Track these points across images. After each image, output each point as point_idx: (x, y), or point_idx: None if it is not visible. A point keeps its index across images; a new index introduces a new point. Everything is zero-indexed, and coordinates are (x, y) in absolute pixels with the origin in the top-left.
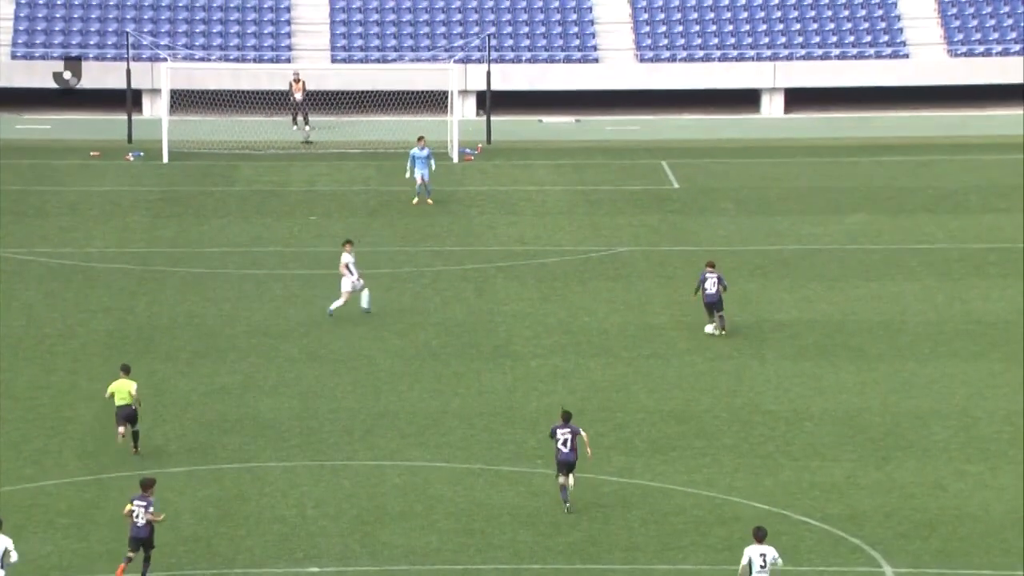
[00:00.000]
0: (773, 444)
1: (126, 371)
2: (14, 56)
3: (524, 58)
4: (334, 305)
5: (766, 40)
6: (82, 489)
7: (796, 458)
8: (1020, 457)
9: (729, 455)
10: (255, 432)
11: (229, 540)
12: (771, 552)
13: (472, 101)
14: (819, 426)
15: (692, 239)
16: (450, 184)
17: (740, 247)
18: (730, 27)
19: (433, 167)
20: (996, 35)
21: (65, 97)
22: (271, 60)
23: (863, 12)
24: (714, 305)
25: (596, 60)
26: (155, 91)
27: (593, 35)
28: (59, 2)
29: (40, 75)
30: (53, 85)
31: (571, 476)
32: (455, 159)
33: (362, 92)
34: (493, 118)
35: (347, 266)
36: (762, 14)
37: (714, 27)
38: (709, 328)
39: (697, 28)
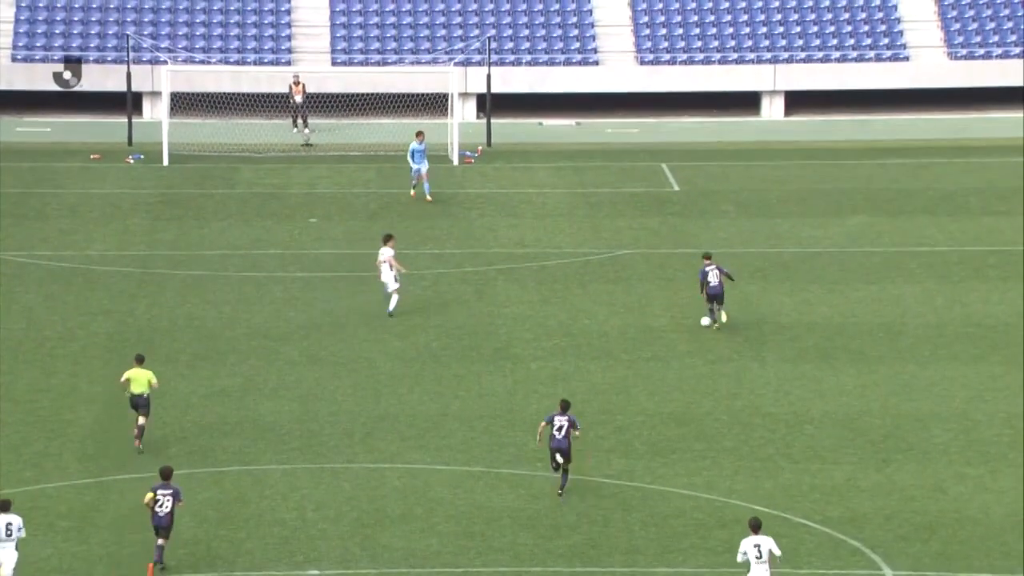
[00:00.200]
0: (773, 447)
1: (140, 360)
2: (14, 59)
3: (524, 61)
4: (391, 307)
5: (766, 43)
6: (82, 492)
7: (796, 461)
8: (1020, 460)
9: (729, 458)
10: (255, 435)
11: (229, 543)
12: (767, 542)
13: (472, 104)
14: (819, 429)
15: (692, 242)
16: (450, 186)
17: (740, 249)
18: (730, 30)
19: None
20: (996, 38)
21: (65, 100)
22: (271, 63)
23: (863, 15)
24: (717, 297)
25: (596, 63)
26: (155, 94)
27: (593, 38)
28: (59, 4)
29: (40, 78)
30: (53, 88)
31: (565, 462)
32: (455, 162)
33: (362, 95)
34: (493, 121)
35: (388, 262)
36: (762, 17)
37: (714, 30)
38: (705, 321)
39: (697, 31)
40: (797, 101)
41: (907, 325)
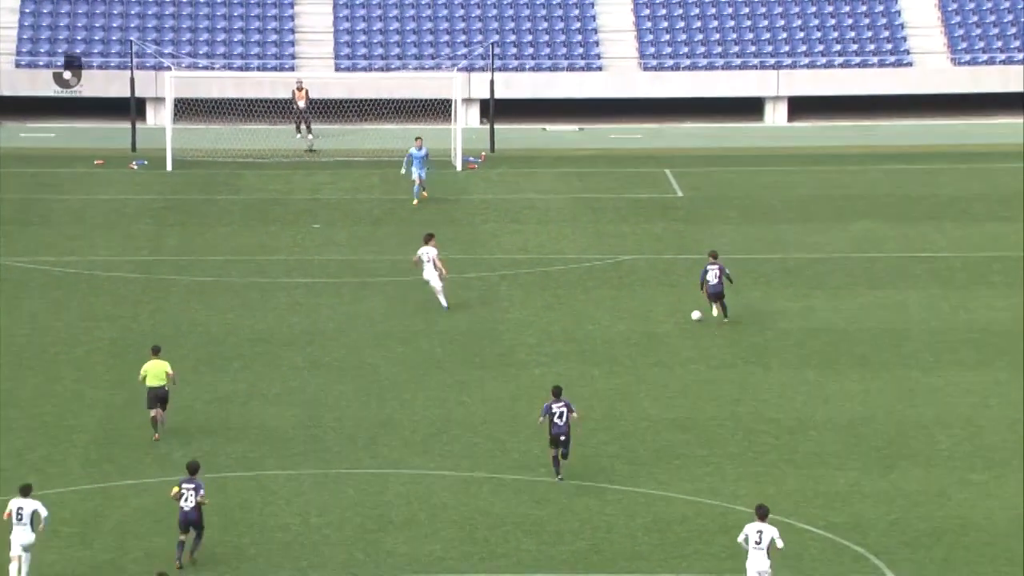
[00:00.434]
0: (777, 453)
1: (156, 352)
2: (18, 65)
3: (528, 66)
4: (444, 302)
5: (770, 49)
6: (86, 498)
7: (800, 467)
8: None
9: (733, 464)
10: (259, 440)
11: (233, 548)
12: (769, 531)
13: (476, 109)
14: (823, 435)
15: (696, 247)
16: (454, 192)
17: (744, 255)
18: (734, 35)
19: (428, 159)
20: (999, 43)
21: (69, 105)
22: (275, 68)
23: (867, 21)
24: (716, 296)
25: (600, 68)
26: (159, 99)
27: (597, 43)
28: (63, 11)
29: (44, 84)
30: (58, 93)
31: (564, 449)
32: (459, 167)
33: (366, 100)
34: (497, 126)
35: (432, 261)
36: (766, 22)
37: (718, 36)
38: (695, 315)
39: (701, 37)
40: (800, 107)
41: (911, 331)
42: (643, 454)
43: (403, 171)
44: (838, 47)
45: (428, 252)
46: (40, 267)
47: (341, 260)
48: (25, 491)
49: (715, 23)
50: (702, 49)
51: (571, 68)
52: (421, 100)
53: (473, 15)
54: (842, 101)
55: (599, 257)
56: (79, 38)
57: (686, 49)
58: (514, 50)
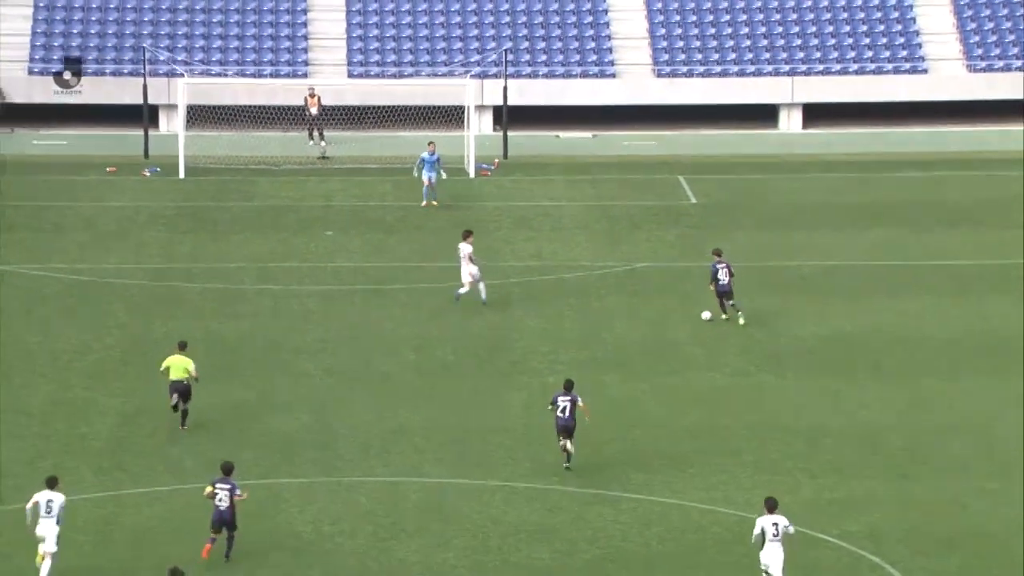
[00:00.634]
0: (792, 461)
1: (182, 347)
2: (31, 72)
3: (541, 73)
4: (460, 290)
5: (784, 55)
6: (98, 505)
7: (815, 475)
8: None
9: (748, 472)
10: (271, 448)
11: (245, 556)
12: (783, 521)
13: (489, 116)
14: (838, 443)
15: (710, 255)
16: (467, 199)
17: (758, 263)
18: (748, 42)
19: (443, 175)
20: (1015, 50)
21: (81, 113)
22: (288, 75)
23: (882, 27)
24: (727, 295)
25: (613, 75)
26: (172, 106)
27: (610, 50)
28: (76, 18)
29: (57, 91)
30: (70, 101)
31: (570, 441)
32: (472, 174)
33: (379, 107)
34: (510, 133)
35: (468, 257)
36: (780, 29)
37: (732, 42)
38: (705, 315)
39: (715, 43)
40: (815, 113)
41: (926, 339)
42: (657, 462)
43: (414, 174)
44: (853, 53)
45: (465, 248)
46: (52, 275)
47: (354, 267)
48: (52, 483)
49: (729, 29)
50: (716, 56)
51: (585, 75)
52: (434, 107)
53: (487, 21)
54: (857, 108)
55: (613, 264)
56: (92, 45)
57: (700, 56)
58: (527, 57)
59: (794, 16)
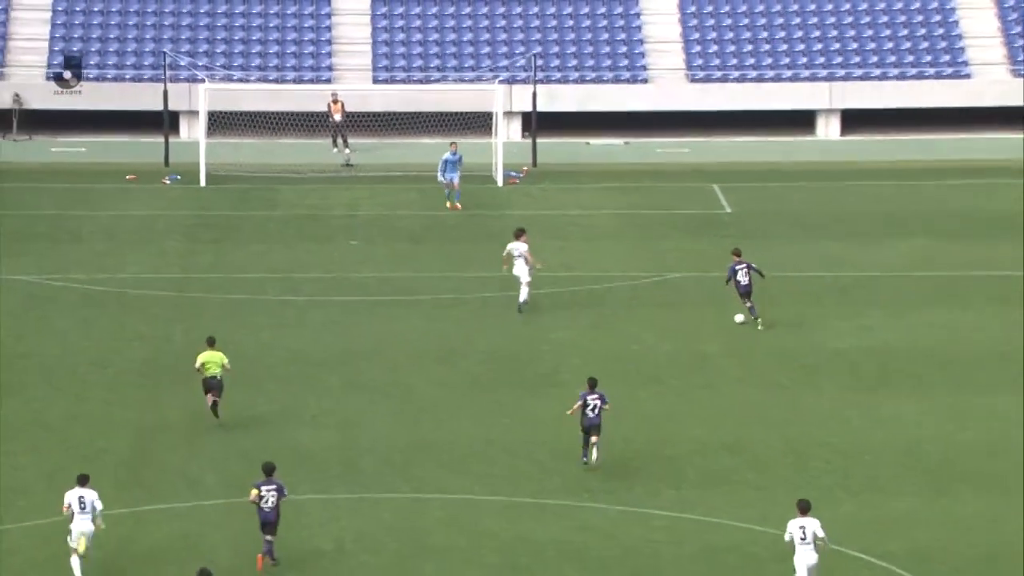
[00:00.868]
0: (830, 477)
1: (211, 343)
2: (49, 77)
3: (571, 78)
4: (522, 298)
5: (822, 60)
6: (117, 522)
7: (855, 492)
8: None
9: (785, 488)
10: (293, 463)
11: (267, 573)
12: (812, 524)
13: (518, 122)
14: (878, 458)
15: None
16: (495, 208)
17: (795, 273)
18: (784, 46)
19: (462, 163)
20: None
21: (100, 119)
22: (311, 81)
23: (923, 30)
24: (748, 295)
25: (645, 80)
26: (193, 113)
27: (643, 55)
28: (96, 23)
29: (76, 97)
30: (89, 107)
31: (595, 437)
32: (500, 182)
33: (405, 113)
34: (539, 140)
35: (525, 256)
36: (817, 33)
37: (768, 46)
38: (739, 318)
39: (750, 47)
40: (854, 120)
41: (967, 352)
42: (691, 478)
43: (439, 178)
44: (893, 58)
45: (519, 247)
46: (71, 285)
47: (379, 277)
48: (83, 480)
49: (764, 33)
50: (751, 60)
51: (616, 80)
52: (461, 113)
53: (515, 25)
54: (897, 114)
55: (645, 275)
56: (111, 50)
57: (735, 60)
58: (557, 61)
59: (832, 19)
